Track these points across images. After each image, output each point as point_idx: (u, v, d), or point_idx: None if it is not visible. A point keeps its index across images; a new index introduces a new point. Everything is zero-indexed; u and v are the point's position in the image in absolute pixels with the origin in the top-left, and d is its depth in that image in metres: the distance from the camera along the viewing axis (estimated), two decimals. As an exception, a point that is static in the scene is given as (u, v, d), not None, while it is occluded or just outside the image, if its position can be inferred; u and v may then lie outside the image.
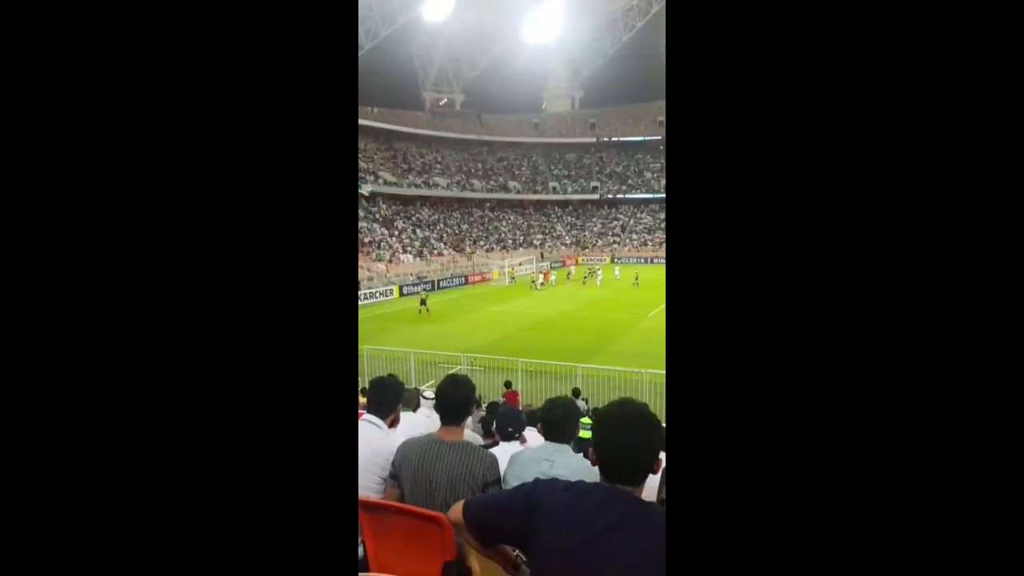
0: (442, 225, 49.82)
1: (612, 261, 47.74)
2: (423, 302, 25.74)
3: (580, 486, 1.46)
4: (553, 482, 1.51)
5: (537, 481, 1.52)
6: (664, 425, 1.35)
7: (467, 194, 54.84)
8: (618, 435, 1.42)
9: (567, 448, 2.48)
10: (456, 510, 1.60)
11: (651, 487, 2.63)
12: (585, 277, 36.53)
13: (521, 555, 1.65)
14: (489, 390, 11.90)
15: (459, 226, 51.22)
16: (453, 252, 44.99)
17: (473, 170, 58.51)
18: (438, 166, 56.03)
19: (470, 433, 4.15)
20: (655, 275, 38.03)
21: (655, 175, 59.65)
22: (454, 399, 2.40)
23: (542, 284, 34.40)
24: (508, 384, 11.94)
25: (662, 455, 1.41)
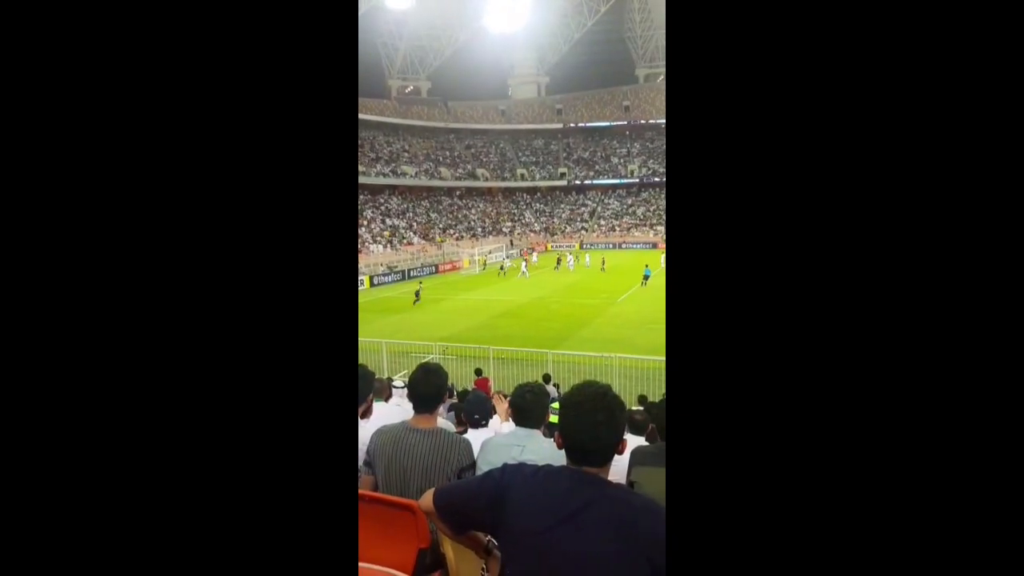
0: (411, 214, 49.45)
1: (581, 247, 47.90)
2: (418, 293, 25.35)
3: (547, 470, 1.49)
4: (520, 467, 1.53)
5: (505, 467, 1.54)
6: (638, 408, 1.37)
7: (435, 182, 54.48)
8: (581, 417, 1.44)
9: (537, 433, 2.51)
10: (427, 498, 1.62)
11: (620, 469, 2.68)
12: (556, 264, 36.48)
13: (493, 540, 1.68)
14: (461, 378, 11.91)
15: (428, 215, 50.88)
16: (423, 241, 44.71)
17: (441, 158, 58.06)
18: (406, 154, 55.48)
19: (443, 421, 4.16)
20: (622, 260, 38.28)
21: (622, 160, 59.88)
22: (427, 388, 2.42)
23: (525, 271, 33.71)
24: (479, 372, 11.96)
25: (627, 435, 1.44)
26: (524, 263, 35.13)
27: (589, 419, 1.43)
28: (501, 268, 35.63)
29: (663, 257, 29.40)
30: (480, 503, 1.50)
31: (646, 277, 28.03)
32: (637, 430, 4.23)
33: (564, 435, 1.47)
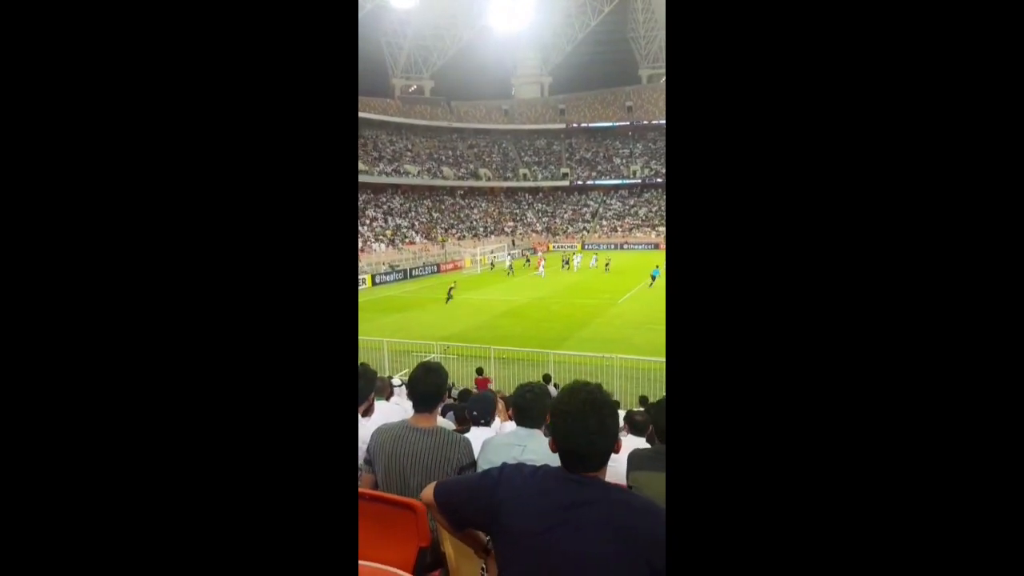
0: (414, 213, 49.47)
1: (582, 247, 47.85)
2: (450, 292, 25.34)
3: (545, 471, 1.48)
4: (519, 467, 1.53)
5: (504, 466, 1.54)
6: (638, 409, 1.36)
7: (438, 182, 54.49)
8: (571, 425, 1.43)
9: (538, 433, 2.51)
10: (428, 492, 1.63)
11: (619, 472, 2.67)
12: (564, 264, 36.30)
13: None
14: (462, 378, 11.92)
15: (430, 214, 50.90)
16: (425, 240, 44.73)
17: (444, 157, 58.07)
18: (408, 154, 55.50)
19: (443, 420, 4.15)
20: (626, 261, 38.24)
21: (624, 161, 59.83)
22: (426, 387, 2.42)
23: (542, 270, 33.32)
24: (479, 371, 11.97)
25: (628, 436, 1.44)
26: (541, 263, 34.85)
27: (580, 426, 1.42)
28: (509, 268, 35.68)
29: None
30: (479, 503, 1.50)
31: (654, 277, 27.83)
32: (638, 431, 4.22)
33: (557, 442, 1.46)
